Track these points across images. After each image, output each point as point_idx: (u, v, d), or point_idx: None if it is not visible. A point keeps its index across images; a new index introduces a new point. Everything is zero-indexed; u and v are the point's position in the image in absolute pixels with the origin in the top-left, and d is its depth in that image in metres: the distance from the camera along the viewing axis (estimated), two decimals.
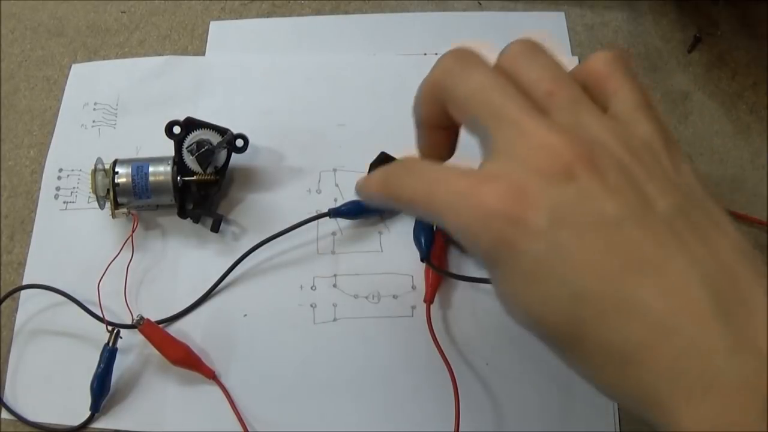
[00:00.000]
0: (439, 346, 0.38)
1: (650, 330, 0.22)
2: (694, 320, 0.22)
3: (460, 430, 0.37)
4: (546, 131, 0.25)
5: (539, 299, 0.24)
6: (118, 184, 0.41)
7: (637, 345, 0.22)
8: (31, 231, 0.44)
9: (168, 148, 0.42)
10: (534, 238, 0.24)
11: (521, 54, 0.28)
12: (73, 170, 0.46)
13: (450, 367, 0.38)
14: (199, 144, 0.42)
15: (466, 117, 0.28)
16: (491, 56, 0.29)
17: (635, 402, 0.23)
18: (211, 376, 0.39)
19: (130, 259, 0.42)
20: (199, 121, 0.43)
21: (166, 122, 0.42)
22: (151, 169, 0.42)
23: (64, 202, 0.45)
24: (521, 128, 0.25)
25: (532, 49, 0.28)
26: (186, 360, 0.39)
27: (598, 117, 0.26)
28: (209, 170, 0.42)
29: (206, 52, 0.50)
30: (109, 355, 0.39)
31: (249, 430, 0.38)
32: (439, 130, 0.31)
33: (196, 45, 0.50)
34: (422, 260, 0.40)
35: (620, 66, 0.28)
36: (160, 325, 0.40)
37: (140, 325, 0.39)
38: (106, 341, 0.39)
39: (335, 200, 0.44)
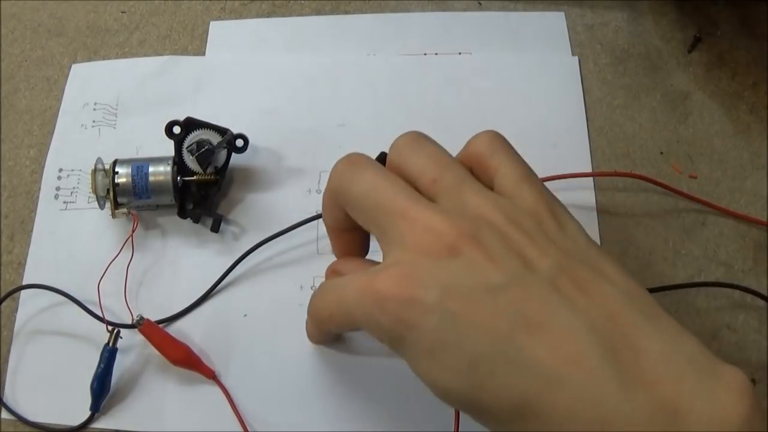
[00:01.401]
0: None
1: (542, 383, 0.24)
2: (583, 367, 0.23)
3: (460, 430, 0.36)
4: (430, 216, 0.27)
5: (442, 371, 0.26)
6: (118, 184, 0.41)
7: (533, 398, 0.24)
8: (31, 231, 0.44)
9: (168, 148, 0.42)
10: (427, 314, 0.25)
11: (406, 146, 0.31)
12: (73, 170, 0.46)
13: None
14: (199, 144, 0.42)
15: (362, 217, 0.30)
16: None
17: None
18: (211, 376, 0.39)
19: (130, 259, 0.42)
20: (199, 121, 0.43)
21: (166, 122, 0.42)
22: (151, 169, 0.42)
23: (64, 202, 0.45)
24: (409, 217, 0.27)
25: (418, 140, 0.31)
26: (186, 360, 0.39)
27: (483, 194, 0.28)
28: (209, 170, 0.42)
29: (206, 52, 0.50)
30: (109, 355, 0.39)
31: (249, 430, 0.38)
32: (347, 232, 0.33)
33: (196, 45, 0.50)
34: None
35: (498, 144, 0.31)
36: (160, 325, 0.40)
37: (140, 325, 0.39)
38: (106, 341, 0.39)
39: None
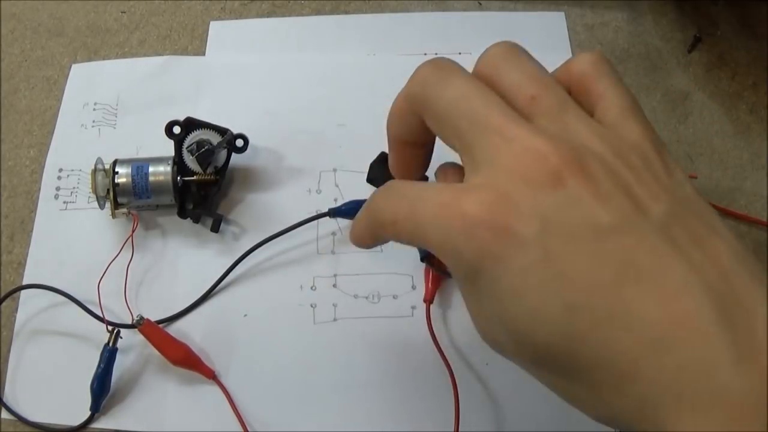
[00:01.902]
0: (439, 346, 0.38)
1: (649, 343, 0.21)
2: (696, 331, 0.21)
3: (460, 430, 0.37)
4: (531, 136, 0.24)
5: (528, 314, 0.23)
6: (118, 184, 0.41)
7: (636, 359, 0.21)
8: (31, 231, 0.44)
9: (168, 148, 0.42)
10: (522, 249, 0.23)
11: (501, 58, 0.27)
12: (73, 170, 0.46)
13: (450, 367, 0.38)
14: (199, 144, 0.42)
15: (446, 129, 0.27)
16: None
17: (635, 421, 0.22)
18: (211, 376, 0.39)
19: (130, 259, 0.42)
20: (199, 121, 0.43)
21: (166, 122, 0.42)
22: (151, 169, 0.42)
23: (64, 202, 0.45)
24: (504, 135, 0.24)
25: (512, 52, 0.27)
26: (186, 360, 0.39)
27: (585, 121, 0.25)
28: (209, 170, 0.42)
29: (206, 52, 0.50)
30: (109, 355, 0.39)
31: (249, 430, 0.38)
32: (414, 147, 0.30)
33: (196, 45, 0.50)
34: (422, 260, 0.40)
35: (605, 68, 0.27)
36: (160, 325, 0.40)
37: (140, 325, 0.39)
38: (106, 341, 0.39)
39: (335, 200, 0.44)
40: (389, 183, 0.28)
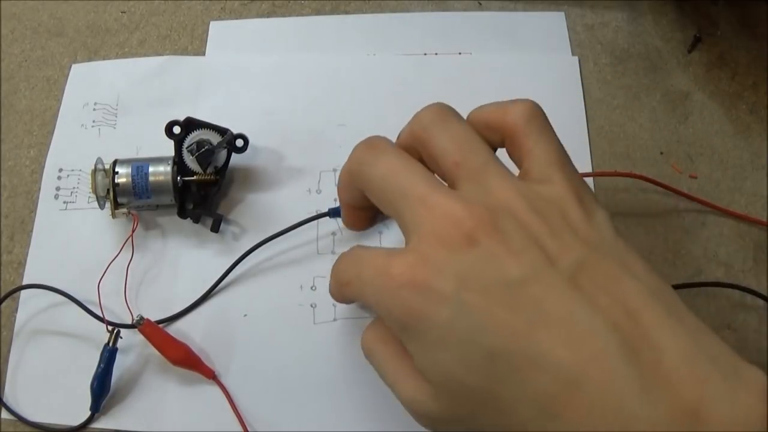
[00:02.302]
0: None
1: (562, 383, 0.23)
2: (603, 368, 0.23)
3: None
4: (449, 203, 0.26)
5: (456, 361, 0.25)
6: (118, 184, 0.41)
7: (552, 399, 0.23)
8: (31, 231, 0.44)
9: (168, 148, 0.42)
10: (441, 304, 0.25)
11: (431, 123, 0.30)
12: (73, 170, 0.46)
13: None
14: (199, 144, 0.42)
15: (381, 201, 0.29)
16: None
17: None
18: (211, 376, 0.39)
19: (130, 259, 0.42)
20: (199, 121, 0.43)
21: (166, 122, 0.42)
22: (151, 169, 0.42)
23: (64, 202, 0.45)
24: (426, 203, 0.26)
25: (442, 117, 0.30)
26: (186, 360, 0.39)
27: (506, 180, 0.27)
28: (209, 170, 0.42)
29: (206, 52, 0.50)
30: (109, 355, 0.39)
31: (249, 430, 0.38)
32: (361, 210, 0.34)
33: (196, 45, 0.50)
34: None
35: (536, 123, 0.29)
36: (160, 325, 0.40)
37: (140, 325, 0.39)
38: (106, 341, 0.39)
39: (335, 200, 0.44)
40: (352, 248, 0.31)
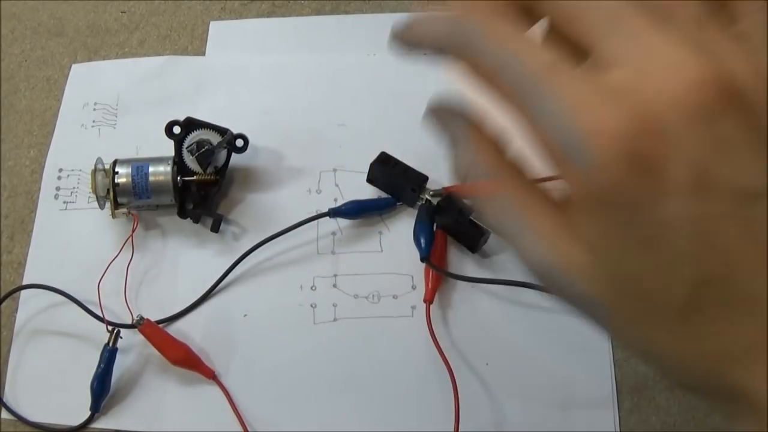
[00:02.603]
0: (439, 346, 0.38)
1: None
2: None
3: (459, 430, 0.37)
4: (679, 46, 0.18)
5: (652, 269, 0.19)
6: (118, 184, 0.41)
7: (749, 346, 0.18)
8: (31, 231, 0.44)
9: (168, 148, 0.42)
10: (668, 198, 0.17)
11: None
12: (73, 170, 0.46)
13: (449, 367, 0.38)
14: (199, 144, 0.42)
15: (566, 20, 0.20)
16: None
17: (719, 364, 0.19)
18: (211, 376, 0.39)
19: (130, 259, 0.42)
20: (199, 121, 0.43)
21: (166, 122, 0.42)
22: (151, 169, 0.42)
23: (64, 202, 0.45)
24: (645, 40, 0.18)
25: None
26: (186, 360, 0.39)
27: (731, 40, 0.19)
28: (209, 170, 0.42)
29: (206, 52, 0.50)
30: (109, 355, 0.39)
31: (249, 430, 0.38)
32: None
33: (196, 45, 0.50)
34: (422, 260, 0.40)
35: None
36: (160, 325, 0.40)
37: (140, 325, 0.39)
38: (106, 341, 0.39)
39: (335, 200, 0.44)
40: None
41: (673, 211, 0.18)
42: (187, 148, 0.42)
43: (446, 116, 0.24)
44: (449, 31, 0.21)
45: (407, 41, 0.23)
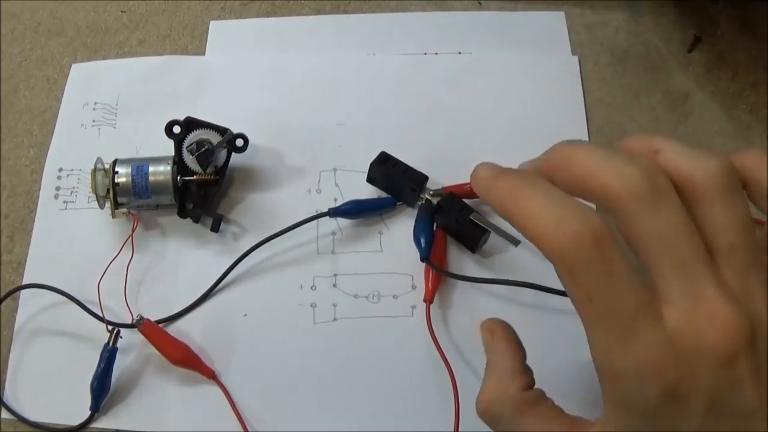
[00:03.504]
0: (439, 346, 0.38)
1: None
2: None
3: (460, 430, 0.37)
4: (721, 302, 0.23)
5: None
6: (118, 184, 0.41)
7: None
8: (31, 231, 0.44)
9: (168, 148, 0.42)
10: (687, 419, 0.23)
11: (724, 189, 0.25)
12: (73, 170, 0.46)
13: (450, 367, 0.38)
14: (199, 144, 0.42)
15: (642, 252, 0.25)
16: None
17: None
18: (211, 375, 0.39)
19: (130, 259, 0.42)
20: (199, 120, 0.43)
21: (166, 122, 0.42)
22: (151, 168, 0.42)
23: (64, 202, 0.45)
24: (698, 290, 0.23)
25: (736, 190, 0.25)
26: (186, 360, 0.39)
27: (764, 287, 0.24)
28: (209, 170, 0.42)
29: (206, 52, 0.50)
30: (109, 354, 0.39)
31: (249, 429, 0.38)
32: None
33: (196, 45, 0.50)
34: (422, 260, 0.40)
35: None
36: (160, 325, 0.40)
37: (140, 324, 0.39)
38: (106, 341, 0.39)
39: (335, 200, 0.44)
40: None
41: (686, 428, 0.23)
42: (187, 147, 0.42)
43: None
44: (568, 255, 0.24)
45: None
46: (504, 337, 0.30)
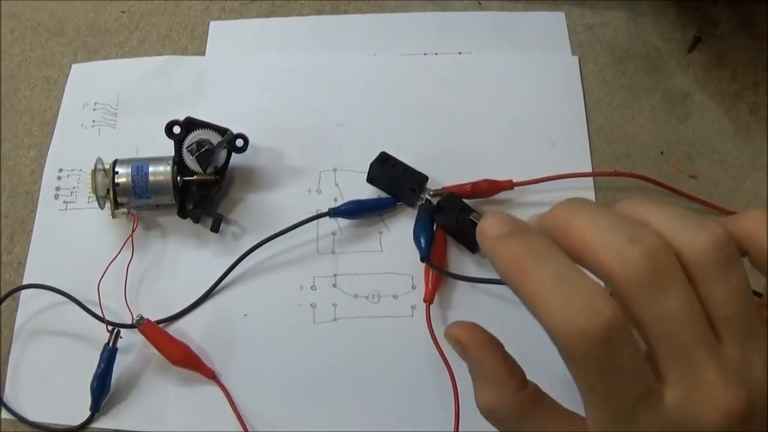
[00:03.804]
0: (439, 346, 0.38)
1: None
2: None
3: (459, 430, 0.37)
4: (722, 386, 0.23)
5: None
6: (118, 184, 0.41)
7: None
8: (31, 231, 0.44)
9: (168, 148, 0.42)
10: None
11: (717, 263, 0.25)
12: (73, 170, 0.46)
13: (450, 367, 0.38)
14: (199, 144, 0.42)
15: (649, 339, 0.25)
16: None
17: None
18: (211, 376, 0.39)
19: (130, 259, 0.42)
20: (199, 121, 0.43)
21: (166, 122, 0.42)
22: (151, 169, 0.42)
23: (64, 202, 0.45)
24: (697, 373, 0.24)
25: (730, 261, 0.25)
26: (186, 360, 0.39)
27: (763, 355, 0.25)
28: (209, 170, 0.42)
29: (206, 52, 0.50)
30: (109, 354, 0.39)
31: (249, 429, 0.38)
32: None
33: (196, 45, 0.50)
34: (422, 260, 0.40)
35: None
36: (161, 325, 0.40)
37: (140, 325, 0.39)
38: (107, 341, 0.39)
39: (335, 200, 0.44)
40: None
41: None
42: (187, 148, 0.42)
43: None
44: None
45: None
46: (475, 343, 0.29)
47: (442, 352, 0.38)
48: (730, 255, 0.25)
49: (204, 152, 0.42)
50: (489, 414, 0.28)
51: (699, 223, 0.25)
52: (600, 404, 0.24)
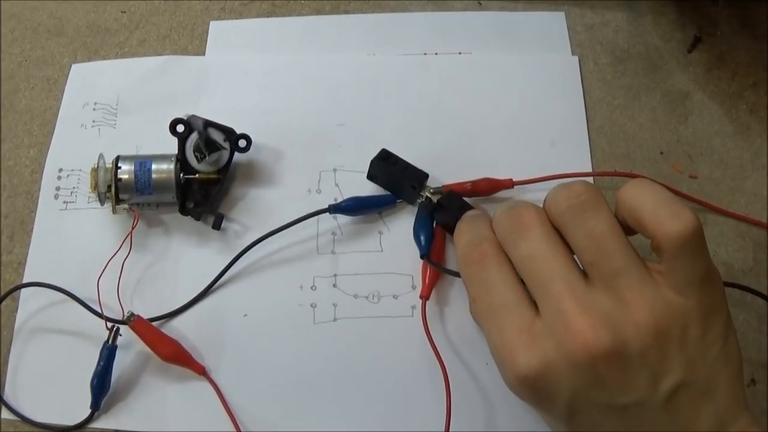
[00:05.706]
0: (434, 344, 0.38)
1: None
2: None
3: (451, 430, 0.36)
4: (580, 316, 0.28)
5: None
6: (120, 179, 0.41)
7: None
8: (31, 231, 0.44)
9: (168, 148, 0.42)
10: (557, 406, 0.29)
11: (568, 211, 0.30)
12: (73, 170, 0.46)
13: (443, 366, 0.37)
14: (207, 140, 0.42)
15: (522, 275, 0.31)
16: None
17: None
18: (201, 372, 0.39)
19: (127, 255, 0.41)
20: (203, 119, 0.42)
21: (167, 122, 0.42)
22: (154, 166, 0.42)
23: (64, 202, 0.45)
24: (560, 307, 0.28)
25: (581, 206, 0.30)
26: (175, 356, 0.39)
27: (638, 293, 0.28)
28: (212, 168, 0.42)
29: (206, 52, 0.50)
30: (108, 352, 0.39)
31: (241, 429, 0.38)
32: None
33: (196, 45, 0.50)
34: (422, 257, 0.40)
35: (691, 246, 0.28)
36: (158, 322, 0.40)
37: (131, 321, 0.39)
38: (106, 339, 0.39)
39: (335, 200, 0.44)
40: (490, 262, 0.33)
41: (562, 411, 0.29)
42: (198, 136, 0.42)
43: None
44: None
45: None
46: None
47: (436, 350, 0.38)
48: (586, 203, 0.29)
49: (210, 141, 0.41)
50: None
51: (566, 185, 0.31)
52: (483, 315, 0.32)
